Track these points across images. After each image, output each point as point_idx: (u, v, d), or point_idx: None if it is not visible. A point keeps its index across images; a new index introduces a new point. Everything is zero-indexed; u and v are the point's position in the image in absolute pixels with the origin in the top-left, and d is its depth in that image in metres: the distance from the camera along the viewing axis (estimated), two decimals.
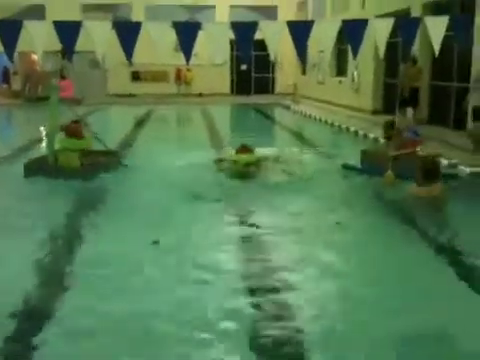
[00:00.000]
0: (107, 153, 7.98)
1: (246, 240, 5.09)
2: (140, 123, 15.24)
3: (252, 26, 7.85)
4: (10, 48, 7.26)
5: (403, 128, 8.06)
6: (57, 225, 5.33)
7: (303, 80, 23.35)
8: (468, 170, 7.78)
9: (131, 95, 24.03)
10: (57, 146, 7.47)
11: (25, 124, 16.58)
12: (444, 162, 7.81)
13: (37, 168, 7.23)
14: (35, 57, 22.43)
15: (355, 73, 16.77)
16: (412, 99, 12.70)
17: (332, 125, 14.17)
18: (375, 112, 15.31)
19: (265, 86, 26.42)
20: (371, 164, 7.61)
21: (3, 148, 9.73)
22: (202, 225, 5.43)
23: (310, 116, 16.53)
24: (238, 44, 8.31)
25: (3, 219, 5.56)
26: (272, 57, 7.90)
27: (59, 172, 7.05)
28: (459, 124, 11.42)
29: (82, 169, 7.25)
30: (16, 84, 23.53)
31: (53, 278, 4.25)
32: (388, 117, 11.02)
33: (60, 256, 4.70)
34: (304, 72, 23.54)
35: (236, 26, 7.85)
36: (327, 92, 19.81)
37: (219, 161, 8.31)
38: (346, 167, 8.06)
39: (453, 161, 8.12)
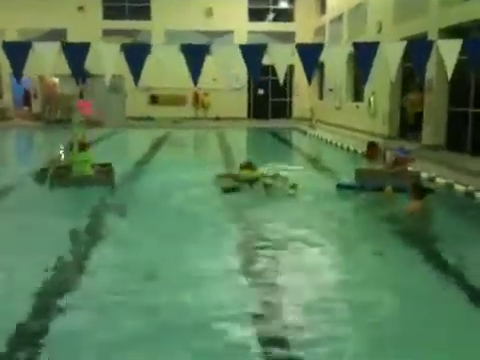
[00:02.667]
0: (105, 165, 9.07)
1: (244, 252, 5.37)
2: (156, 145, 15.28)
3: (260, 49, 7.76)
4: (18, 70, 7.26)
5: (387, 148, 8.77)
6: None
7: (320, 105, 23.24)
8: None
9: (149, 118, 24.22)
10: (73, 159, 8.67)
11: (46, 144, 16.83)
12: (424, 177, 8.80)
13: (59, 179, 8.32)
14: (55, 81, 22.89)
15: (372, 98, 16.59)
16: (416, 124, 13.26)
17: (348, 149, 14.00)
18: (390, 137, 15.06)
19: (282, 110, 26.41)
20: (365, 181, 8.12)
21: (29, 165, 10.31)
22: (197, 234, 5.90)
23: (326, 141, 16.36)
24: (248, 67, 8.20)
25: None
26: (281, 80, 7.77)
27: (80, 181, 8.26)
28: (477, 150, 11.14)
29: (96, 177, 8.47)
30: (36, 107, 23.96)
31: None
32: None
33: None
34: (321, 97, 23.45)
35: (245, 49, 7.76)
36: (344, 117, 19.65)
37: (222, 176, 8.60)
38: (341, 186, 8.43)
39: (432, 175, 9.03)
